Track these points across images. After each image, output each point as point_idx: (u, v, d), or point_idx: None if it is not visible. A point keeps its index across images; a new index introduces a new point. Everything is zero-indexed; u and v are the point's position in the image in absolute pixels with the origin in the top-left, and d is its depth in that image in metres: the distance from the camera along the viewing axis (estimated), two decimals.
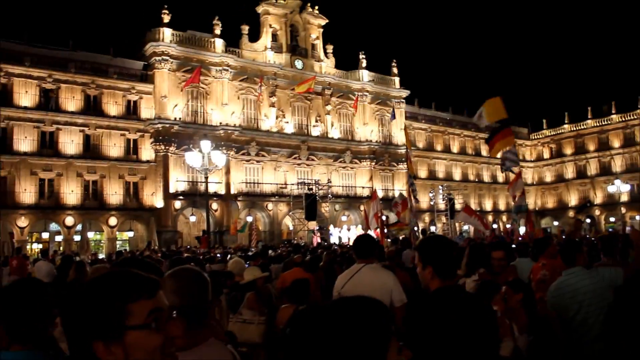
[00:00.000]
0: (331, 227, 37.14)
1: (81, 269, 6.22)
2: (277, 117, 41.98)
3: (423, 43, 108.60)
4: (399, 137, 49.46)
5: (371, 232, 33.93)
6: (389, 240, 25.32)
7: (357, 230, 36.03)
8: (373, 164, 46.99)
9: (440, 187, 44.76)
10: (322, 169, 44.12)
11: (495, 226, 54.70)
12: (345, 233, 35.89)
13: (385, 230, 26.58)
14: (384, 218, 40.75)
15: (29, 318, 2.21)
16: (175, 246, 29.52)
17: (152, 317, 1.37)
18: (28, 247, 31.63)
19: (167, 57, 36.92)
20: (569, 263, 4.32)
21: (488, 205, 58.94)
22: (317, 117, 44.73)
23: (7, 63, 32.69)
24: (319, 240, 31.61)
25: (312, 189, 36.62)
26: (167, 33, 37.28)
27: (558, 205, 59.71)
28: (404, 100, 50.82)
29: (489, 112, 13.52)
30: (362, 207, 44.47)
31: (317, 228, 36.83)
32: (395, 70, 50.93)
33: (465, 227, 39.92)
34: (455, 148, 57.54)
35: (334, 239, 34.62)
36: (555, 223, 49.65)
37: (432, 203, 45.73)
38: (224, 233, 36.47)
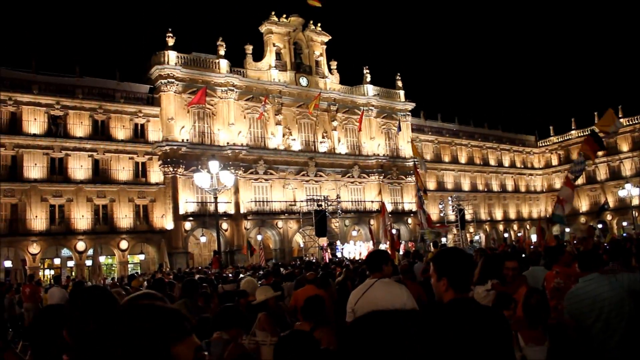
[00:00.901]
0: (338, 243, 37.08)
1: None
2: (283, 135, 42.18)
3: (426, 55, 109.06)
4: (406, 150, 49.44)
5: (383, 247, 33.80)
6: (401, 253, 25.26)
7: (364, 246, 35.82)
8: (381, 177, 46.97)
9: (450, 198, 44.60)
10: (331, 185, 44.15)
11: (506, 235, 54.41)
12: (352, 248, 35.74)
13: (400, 243, 26.60)
14: (394, 232, 40.67)
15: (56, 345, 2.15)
16: (187, 267, 29.50)
17: (198, 356, 1.27)
18: (40, 273, 31.73)
19: (173, 80, 37.32)
20: (586, 269, 4.26)
21: (498, 214, 58.56)
22: (324, 134, 44.90)
23: (16, 91, 33.18)
24: (330, 257, 31.47)
25: (321, 205, 36.58)
26: (172, 56, 37.74)
27: (569, 211, 59.06)
28: (409, 113, 50.91)
29: (602, 123, 13.57)
30: (372, 222, 44.43)
31: (327, 244, 36.71)
32: (399, 83, 51.11)
33: (476, 237, 39.63)
34: (463, 158, 57.39)
35: (345, 255, 34.45)
36: (567, 230, 49.13)
37: (442, 214, 45.56)
38: (235, 252, 36.45)
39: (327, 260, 30.66)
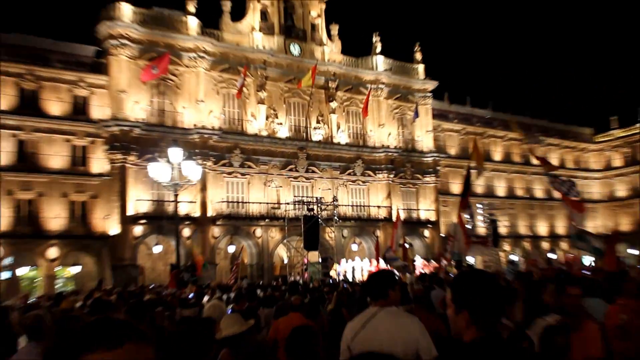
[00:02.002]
0: (342, 261, 37.20)
1: (3, 317, 6.11)
2: (267, 118, 42.25)
3: (453, 20, 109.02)
4: (425, 142, 49.57)
5: (387, 266, 33.86)
6: (415, 276, 25.31)
7: (367, 264, 35.94)
8: (391, 176, 47.19)
9: (479, 205, 44.70)
10: (326, 184, 44.26)
11: (553, 256, 54.67)
12: (352, 266, 35.87)
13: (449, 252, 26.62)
14: (407, 246, 40.88)
15: None
16: (136, 285, 29.43)
17: None
18: None
19: (127, 41, 37.21)
20: None
21: (542, 228, 58.86)
22: (319, 117, 45.00)
23: None
24: (307, 277, 31.77)
25: (312, 210, 36.65)
26: (126, 10, 37.61)
27: (635, 227, 58.96)
28: (430, 95, 51.14)
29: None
30: (377, 233, 44.51)
31: (321, 260, 36.71)
32: (418, 56, 51.25)
33: (514, 257, 39.83)
34: (497, 155, 57.68)
35: (343, 275, 34.49)
36: (634, 252, 49.26)
37: (469, 227, 45.70)
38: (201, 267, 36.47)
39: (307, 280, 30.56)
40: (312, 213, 35.83)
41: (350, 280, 31.64)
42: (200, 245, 37.78)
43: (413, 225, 46.91)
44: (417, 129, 49.69)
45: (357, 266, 36.10)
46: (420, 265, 34.25)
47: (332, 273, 35.23)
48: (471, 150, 29.14)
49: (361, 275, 34.59)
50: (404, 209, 46.40)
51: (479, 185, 55.29)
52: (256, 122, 41.76)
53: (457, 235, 26.08)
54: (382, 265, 35.07)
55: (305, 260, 36.82)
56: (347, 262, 36.87)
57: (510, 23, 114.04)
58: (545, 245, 57.94)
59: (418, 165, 49.05)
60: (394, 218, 42.90)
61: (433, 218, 48.39)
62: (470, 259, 42.35)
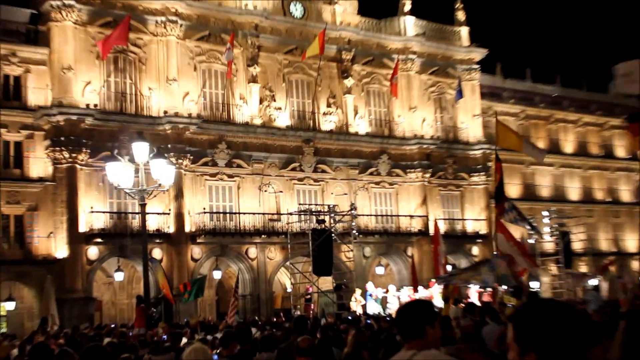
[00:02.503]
0: (370, 287, 37.26)
1: None
2: (261, 101, 42.43)
3: None
4: (472, 129, 49.53)
5: (425, 294, 33.79)
6: (460, 307, 25.22)
7: (402, 293, 35.92)
8: (427, 176, 47.24)
9: (546, 212, 44.50)
10: (341, 187, 44.46)
11: None
12: (376, 293, 35.94)
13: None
14: (449, 268, 40.66)
15: None
16: (91, 325, 29.46)
17: None
18: None
19: (73, 1, 37.30)
20: None
21: (631, 242, 58.49)
22: (331, 100, 45.18)
23: None
24: (315, 311, 31.79)
25: (324, 222, 36.63)
26: None
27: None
28: (477, 67, 51.15)
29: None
30: (410, 251, 44.46)
31: (334, 287, 36.68)
32: (460, 15, 51.28)
33: (594, 282, 39.68)
34: (569, 146, 57.53)
35: (370, 307, 34.50)
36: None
37: (531, 241, 45.49)
38: (176, 300, 36.49)
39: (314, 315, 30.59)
40: (323, 226, 35.76)
41: (376, 313, 31.66)
42: (176, 270, 37.86)
43: (457, 241, 46.81)
44: (461, 112, 49.73)
45: (389, 295, 36.22)
46: (474, 293, 34.34)
47: (353, 305, 35.26)
48: (496, 131, 29.23)
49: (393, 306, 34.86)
50: (444, 219, 46.33)
51: (543, 187, 55.27)
52: (247, 107, 41.87)
53: (504, 251, 26.14)
54: (424, 293, 35.13)
55: (309, 289, 36.90)
56: (371, 290, 36.94)
57: None
58: (636, 264, 57.66)
59: (463, 160, 48.99)
60: (431, 230, 42.89)
61: (483, 230, 48.28)
62: (533, 284, 42.20)
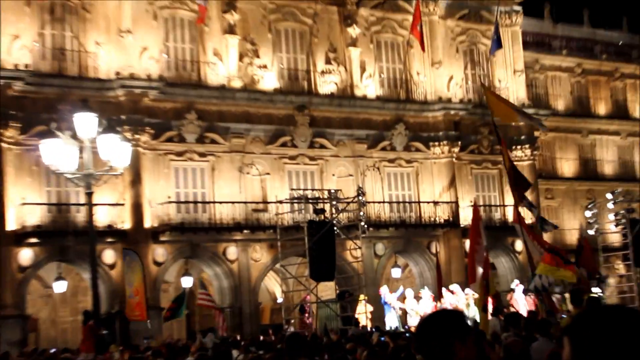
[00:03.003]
0: (384, 292, 37.36)
1: None
2: (242, 58, 42.39)
3: None
4: (513, 90, 49.32)
5: (456, 301, 33.90)
6: (499, 319, 25.26)
7: (424, 301, 36.08)
8: (456, 150, 47.32)
9: (609, 195, 44.41)
10: (345, 167, 44.63)
11: None
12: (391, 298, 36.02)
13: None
14: (479, 270, 40.75)
15: None
16: (24, 349, 29.50)
17: None
18: None
19: None
20: None
21: None
22: (331, 54, 45.10)
23: None
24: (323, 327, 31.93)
25: (323, 212, 36.69)
26: None
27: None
28: (519, 10, 51.03)
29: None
30: (435, 247, 44.42)
31: (337, 295, 36.74)
32: None
33: None
34: (638, 109, 57.23)
35: (390, 319, 34.57)
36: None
37: (592, 232, 45.44)
38: (154, 316, 36.62)
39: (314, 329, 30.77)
40: (322, 217, 35.83)
41: (393, 327, 31.77)
42: (135, 276, 37.86)
43: (495, 233, 46.81)
44: (499, 68, 49.73)
45: (407, 304, 36.35)
46: (521, 299, 34.40)
47: (363, 318, 35.39)
48: (486, 98, 28.95)
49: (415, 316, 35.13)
50: (481, 205, 46.31)
51: (606, 162, 55.23)
52: (223, 65, 41.84)
53: (527, 246, 26.10)
54: (450, 301, 35.17)
55: (307, 298, 36.84)
56: (388, 297, 37.09)
57: None
58: None
59: (501, 130, 48.54)
60: (463, 220, 42.93)
61: (529, 219, 48.19)
62: (595, 290, 42.15)
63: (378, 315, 38.09)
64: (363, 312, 36.02)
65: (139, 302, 29.63)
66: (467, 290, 36.85)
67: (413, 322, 35.18)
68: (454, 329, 4.57)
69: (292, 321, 38.48)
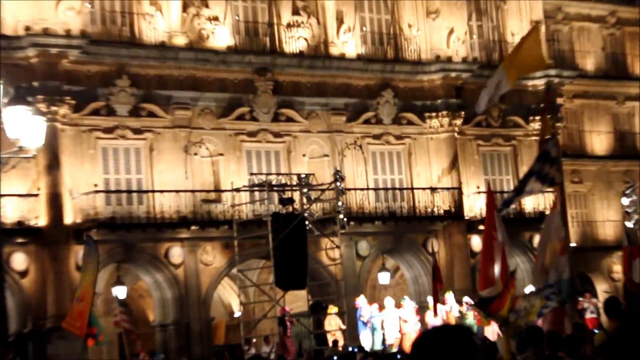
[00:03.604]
0: (360, 303, 37.77)
1: None
2: (186, 8, 42.54)
3: None
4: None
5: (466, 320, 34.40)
6: (516, 336, 25.87)
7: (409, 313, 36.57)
8: (459, 123, 47.74)
9: (629, 182, 44.91)
10: (318, 145, 44.99)
11: None
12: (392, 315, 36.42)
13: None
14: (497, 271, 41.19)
15: None
16: None
17: None
18: None
19: None
20: None
21: None
22: (299, 2, 45.25)
23: None
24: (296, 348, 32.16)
25: (291, 202, 37.04)
26: None
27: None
28: None
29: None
30: (433, 246, 44.63)
31: (311, 307, 37.05)
32: None
33: None
34: None
35: (364, 338, 34.89)
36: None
37: (631, 224, 45.89)
38: (54, 332, 36.69)
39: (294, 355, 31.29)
40: (290, 209, 36.17)
41: (378, 348, 32.20)
42: (51, 287, 37.90)
43: (508, 227, 46.78)
44: (512, 18, 50.23)
45: (390, 318, 36.78)
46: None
47: (339, 335, 35.68)
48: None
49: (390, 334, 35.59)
50: (493, 192, 46.54)
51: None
52: (162, 19, 41.99)
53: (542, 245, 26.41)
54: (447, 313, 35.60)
55: (287, 311, 36.96)
56: (364, 310, 37.53)
57: None
58: None
59: (515, 97, 49.23)
60: (467, 210, 43.52)
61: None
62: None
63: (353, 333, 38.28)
64: (334, 329, 36.55)
65: (83, 310, 29.09)
66: (466, 298, 37.47)
67: (391, 338, 35.74)
68: (457, 348, 4.71)
69: (254, 340, 38.72)
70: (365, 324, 37.02)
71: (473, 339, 4.38)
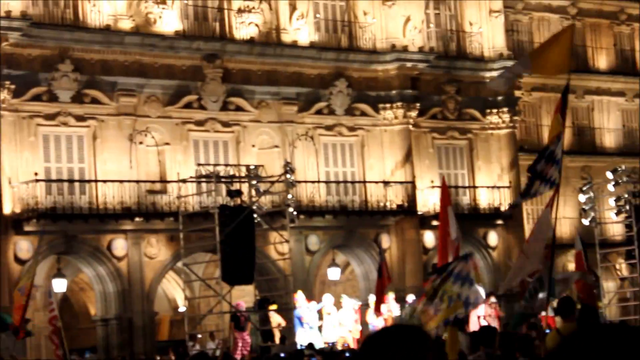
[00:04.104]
0: (298, 298, 37.47)
1: None
2: None
3: None
4: (490, 35, 49.83)
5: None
6: (465, 333, 25.48)
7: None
8: (414, 115, 47.59)
9: (610, 174, 44.78)
10: (269, 136, 44.84)
11: None
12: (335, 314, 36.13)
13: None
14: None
15: None
16: None
17: None
18: None
19: None
20: None
21: None
22: None
23: None
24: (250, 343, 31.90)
25: (239, 195, 36.69)
26: None
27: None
28: None
29: None
30: (383, 241, 44.48)
31: (259, 302, 36.74)
32: None
33: None
34: None
35: (301, 336, 34.67)
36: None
37: (587, 222, 45.93)
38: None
39: (239, 354, 30.92)
40: (238, 201, 35.86)
41: (322, 345, 31.88)
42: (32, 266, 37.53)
43: (463, 223, 47.10)
44: (471, 8, 50.17)
45: (344, 314, 36.45)
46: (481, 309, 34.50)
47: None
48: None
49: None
50: (450, 187, 46.48)
51: (607, 131, 55.66)
52: (107, 1, 41.49)
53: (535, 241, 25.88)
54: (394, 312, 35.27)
55: (240, 305, 36.67)
56: (301, 306, 37.27)
57: None
58: None
59: (473, 88, 49.31)
60: (421, 205, 43.24)
61: (507, 205, 48.60)
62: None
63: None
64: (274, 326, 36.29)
65: (21, 304, 29.22)
66: (410, 297, 37.31)
67: (331, 336, 35.36)
68: (409, 349, 4.42)
69: (199, 336, 38.47)
70: (301, 321, 36.71)
71: (425, 337, 4.17)
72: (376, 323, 36.85)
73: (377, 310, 35.05)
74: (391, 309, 37.11)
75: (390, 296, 38.18)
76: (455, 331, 19.87)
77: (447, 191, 27.47)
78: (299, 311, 37.11)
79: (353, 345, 35.86)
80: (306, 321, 37.03)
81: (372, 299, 37.49)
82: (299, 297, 37.71)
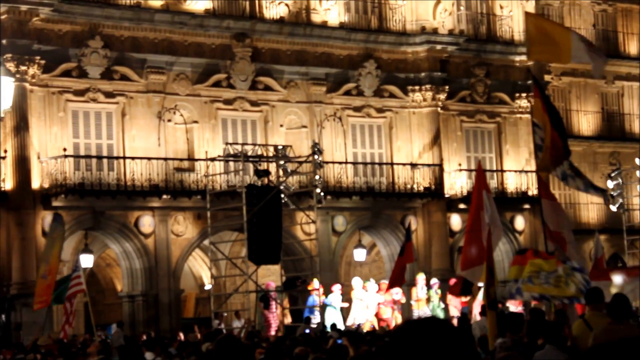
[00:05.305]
0: (356, 284, 37.66)
1: None
2: None
3: None
4: (519, 19, 49.31)
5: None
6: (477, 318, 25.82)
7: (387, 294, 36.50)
8: (442, 97, 47.60)
9: (639, 160, 44.63)
10: (297, 116, 44.93)
11: None
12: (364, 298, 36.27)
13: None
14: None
15: None
16: None
17: None
18: None
19: None
20: None
21: None
22: None
23: None
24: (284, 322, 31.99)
25: (267, 175, 36.83)
26: None
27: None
28: None
29: None
30: (411, 223, 44.46)
31: (283, 284, 36.95)
32: None
33: None
34: None
35: (333, 316, 34.86)
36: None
37: (615, 208, 45.86)
38: (16, 300, 36.64)
39: (274, 332, 31.24)
40: (265, 181, 36.04)
41: (349, 327, 32.09)
42: (16, 252, 37.74)
43: (510, 202, 47.41)
44: None
45: (367, 298, 36.69)
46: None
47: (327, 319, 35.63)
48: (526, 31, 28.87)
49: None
50: (469, 170, 46.39)
51: (637, 117, 55.50)
52: None
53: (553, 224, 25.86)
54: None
55: (270, 285, 36.88)
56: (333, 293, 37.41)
57: None
58: None
59: (502, 72, 49.34)
60: (448, 188, 43.37)
61: (535, 190, 48.34)
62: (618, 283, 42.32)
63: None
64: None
65: (49, 284, 29.35)
66: (434, 280, 37.58)
67: (360, 317, 35.65)
68: (442, 343, 4.39)
69: (224, 314, 38.60)
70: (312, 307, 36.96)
71: (454, 331, 3.76)
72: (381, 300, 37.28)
73: (387, 290, 35.19)
74: (419, 292, 37.22)
75: (420, 278, 38.32)
76: (494, 315, 19.48)
77: (483, 175, 27.31)
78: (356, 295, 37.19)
79: (377, 327, 35.68)
80: (330, 302, 37.18)
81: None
82: (356, 281, 37.97)
